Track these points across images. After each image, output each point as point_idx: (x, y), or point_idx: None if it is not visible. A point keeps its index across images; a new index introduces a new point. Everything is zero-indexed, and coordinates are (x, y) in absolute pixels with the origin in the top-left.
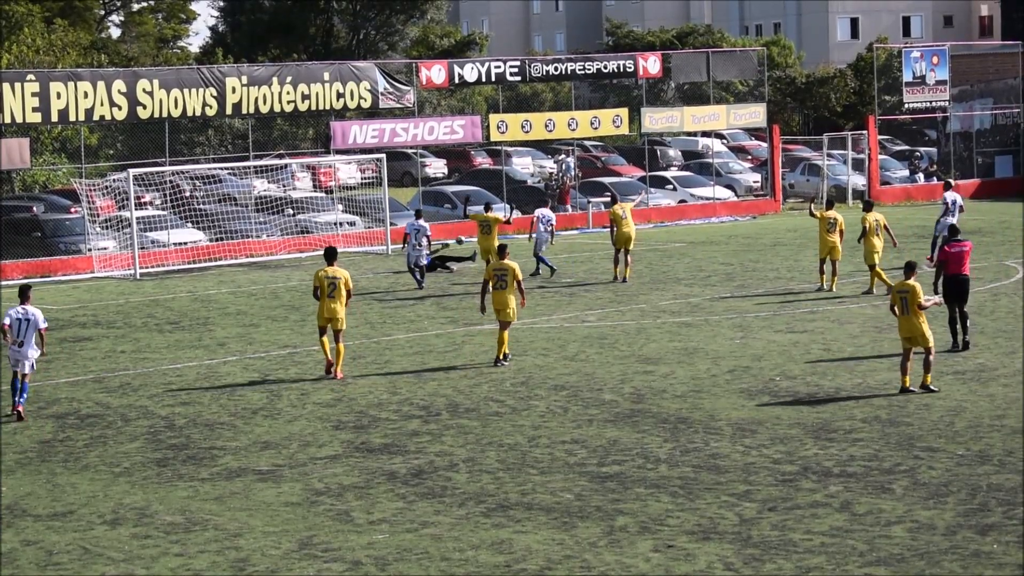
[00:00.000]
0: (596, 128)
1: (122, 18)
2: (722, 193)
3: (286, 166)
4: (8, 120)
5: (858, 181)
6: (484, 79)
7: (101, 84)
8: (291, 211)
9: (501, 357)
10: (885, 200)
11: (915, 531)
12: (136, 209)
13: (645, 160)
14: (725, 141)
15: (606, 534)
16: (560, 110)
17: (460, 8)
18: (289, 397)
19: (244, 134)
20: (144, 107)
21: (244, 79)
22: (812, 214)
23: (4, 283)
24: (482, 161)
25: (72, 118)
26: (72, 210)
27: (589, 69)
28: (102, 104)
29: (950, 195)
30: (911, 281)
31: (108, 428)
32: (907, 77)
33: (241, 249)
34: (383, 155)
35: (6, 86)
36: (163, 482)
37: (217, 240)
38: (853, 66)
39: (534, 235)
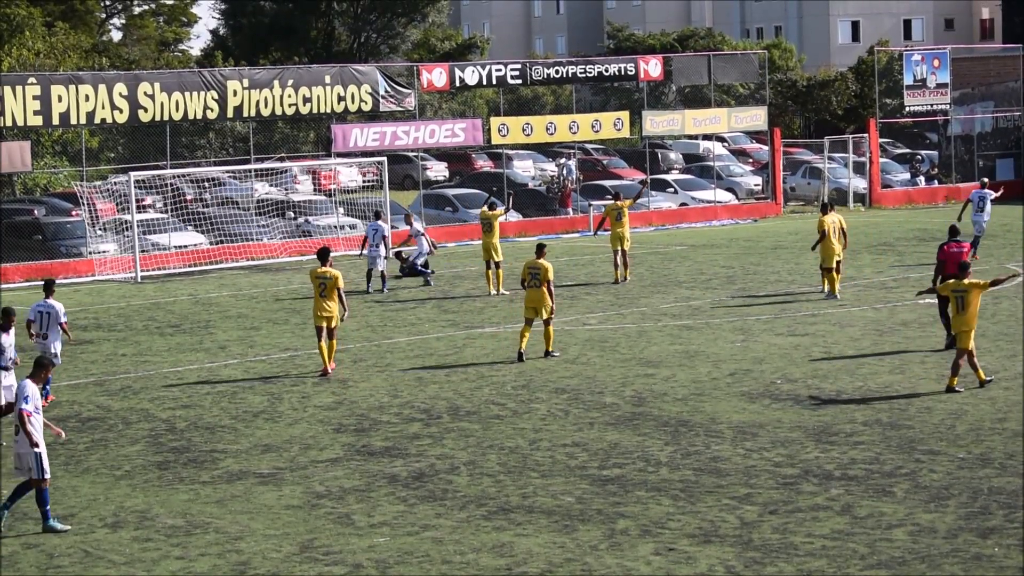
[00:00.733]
0: (597, 131)
1: (123, 21)
2: (723, 196)
3: (287, 169)
4: (9, 123)
5: (859, 184)
6: (485, 82)
7: (102, 87)
8: (292, 214)
9: (550, 350)
10: (886, 203)
11: (916, 534)
12: (137, 212)
13: (646, 163)
14: (726, 144)
15: (607, 537)
16: (561, 113)
17: (461, 11)
18: (290, 400)
19: (245, 137)
20: (145, 110)
21: (245, 82)
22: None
23: (4, 286)
24: (483, 164)
25: (73, 121)
26: (73, 213)
27: (590, 72)
28: (103, 107)
29: (982, 192)
30: (970, 280)
31: (109, 431)
32: (908, 80)
33: (242, 252)
34: (384, 158)
35: (7, 89)
36: (164, 485)
37: (218, 243)
38: (854, 69)
39: (365, 252)
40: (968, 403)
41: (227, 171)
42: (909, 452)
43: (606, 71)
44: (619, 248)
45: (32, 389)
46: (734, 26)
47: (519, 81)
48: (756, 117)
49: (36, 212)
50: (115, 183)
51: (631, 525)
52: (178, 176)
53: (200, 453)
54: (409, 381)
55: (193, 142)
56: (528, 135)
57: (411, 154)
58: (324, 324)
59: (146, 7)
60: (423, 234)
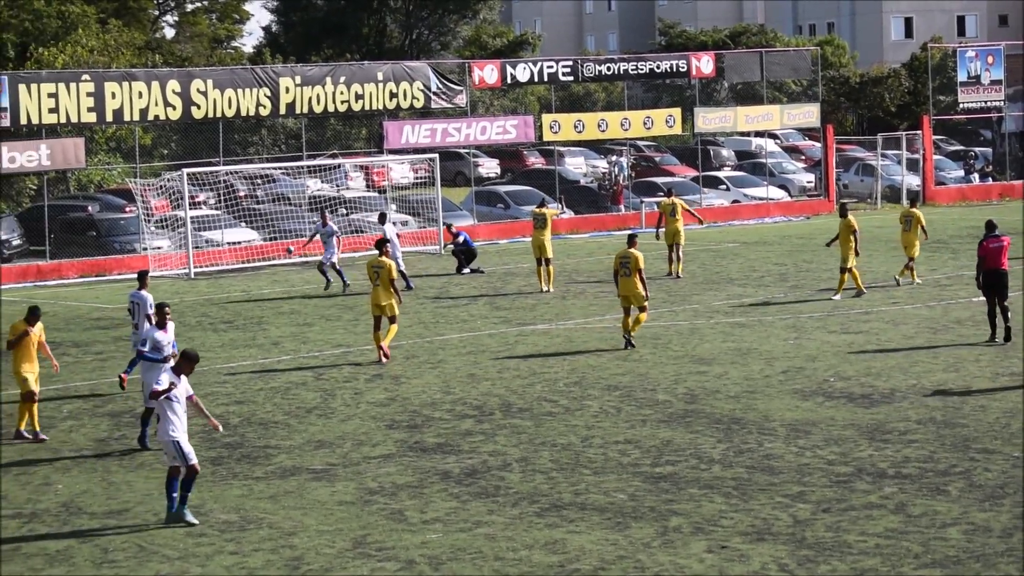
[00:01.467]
0: (649, 128)
1: (176, 18)
2: (775, 193)
3: (339, 166)
4: (63, 120)
5: (912, 181)
6: (537, 79)
7: (155, 84)
8: (344, 211)
9: (630, 337)
10: (940, 200)
11: (970, 533)
12: (190, 208)
13: (698, 160)
14: (778, 141)
15: (660, 534)
16: (613, 110)
17: (513, 8)
18: (343, 396)
19: (297, 134)
20: (198, 107)
21: (297, 79)
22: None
23: (59, 282)
24: (535, 161)
25: (127, 118)
26: (127, 209)
27: (642, 69)
28: (156, 104)
29: None
30: None
31: None
32: (962, 77)
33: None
34: (436, 155)
35: (61, 86)
36: (218, 480)
37: (271, 239)
38: (907, 66)
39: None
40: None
41: (279, 168)
42: (963, 451)
43: (658, 68)
44: (674, 243)
45: (168, 377)
46: (786, 23)
47: (571, 78)
48: (809, 114)
49: (90, 208)
50: (168, 179)
51: (684, 523)
52: (231, 173)
53: (253, 449)
54: (461, 378)
55: (245, 139)
56: (580, 132)
57: (463, 151)
58: (379, 313)
59: (199, 4)
60: (336, 235)
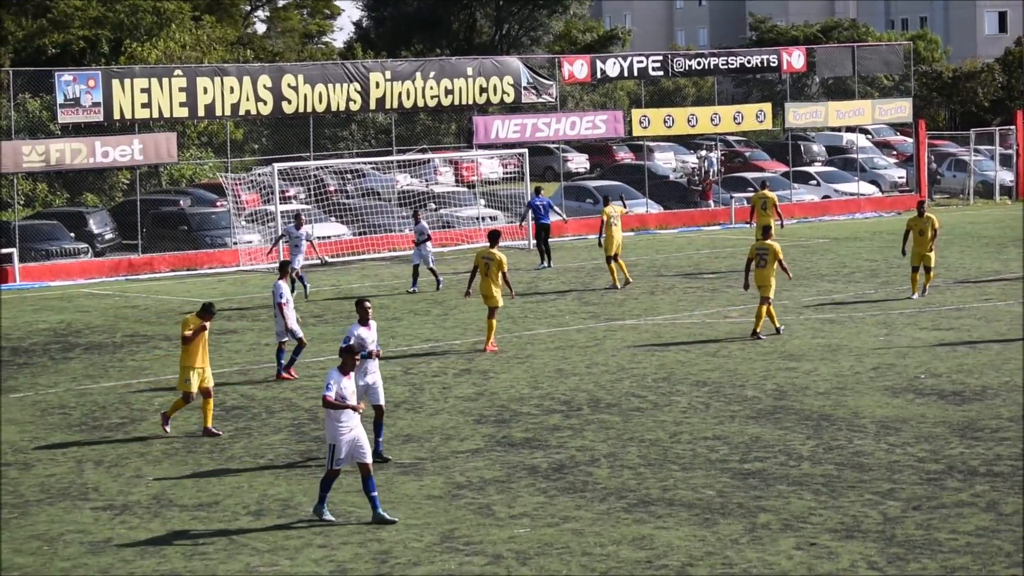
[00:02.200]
0: (739, 123)
1: (267, 14)
2: (866, 189)
3: (428, 161)
4: (156, 115)
5: (1005, 177)
6: (626, 74)
7: (247, 79)
8: (434, 205)
9: (758, 331)
10: None
11: None
12: (281, 203)
13: (788, 155)
14: (870, 136)
15: (748, 531)
16: (703, 105)
17: (603, 3)
18: (431, 391)
19: (387, 129)
20: (289, 102)
21: (388, 74)
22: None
23: (150, 276)
24: (624, 156)
25: (218, 113)
26: (218, 204)
27: (732, 64)
28: (247, 99)
29: None
30: None
31: (253, 420)
32: None
33: (384, 243)
34: (525, 150)
35: (154, 81)
36: (307, 474)
37: (360, 234)
38: (1001, 60)
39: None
40: None
41: (369, 163)
42: None
43: (748, 63)
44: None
45: (334, 376)
46: (878, 17)
47: (660, 73)
48: (901, 109)
49: (182, 203)
50: (259, 174)
51: (772, 519)
52: (321, 167)
53: None
54: (549, 373)
55: (336, 134)
56: (669, 127)
57: (552, 146)
58: (489, 304)
59: (290, 0)
60: (305, 240)
